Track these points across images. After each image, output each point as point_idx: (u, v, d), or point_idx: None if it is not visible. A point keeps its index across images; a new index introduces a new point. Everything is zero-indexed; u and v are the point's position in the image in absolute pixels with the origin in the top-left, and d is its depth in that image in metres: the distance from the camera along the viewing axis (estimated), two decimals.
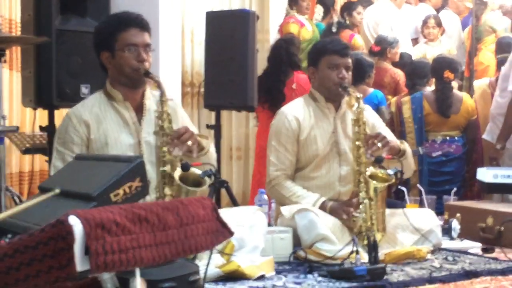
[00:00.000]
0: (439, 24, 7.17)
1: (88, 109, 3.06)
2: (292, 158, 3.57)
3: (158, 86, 2.96)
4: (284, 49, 5.50)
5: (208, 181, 2.88)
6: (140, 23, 3.06)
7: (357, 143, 3.40)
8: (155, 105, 3.04)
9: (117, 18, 3.09)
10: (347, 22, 6.73)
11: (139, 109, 3.10)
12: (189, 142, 2.90)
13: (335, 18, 6.72)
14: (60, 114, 5.34)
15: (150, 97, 3.14)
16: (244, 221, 3.05)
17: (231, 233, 1.76)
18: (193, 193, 2.84)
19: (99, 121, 3.03)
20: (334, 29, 6.54)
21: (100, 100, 3.11)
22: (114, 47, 3.03)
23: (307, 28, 6.40)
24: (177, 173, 2.86)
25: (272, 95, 5.39)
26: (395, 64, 6.50)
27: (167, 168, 2.89)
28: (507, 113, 4.96)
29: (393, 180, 3.35)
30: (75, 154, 2.95)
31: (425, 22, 7.17)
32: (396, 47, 6.41)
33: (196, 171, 2.90)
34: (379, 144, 3.32)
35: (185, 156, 2.94)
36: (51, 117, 4.40)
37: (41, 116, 4.57)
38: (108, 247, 1.35)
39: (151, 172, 2.98)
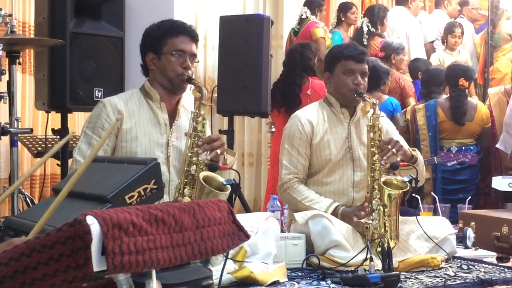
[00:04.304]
0: (463, 33, 7.13)
1: (124, 101, 3.10)
2: (304, 162, 3.55)
3: (199, 90, 3.01)
4: (299, 52, 5.51)
5: (230, 189, 2.88)
6: (191, 33, 3.14)
7: (372, 149, 3.38)
8: (187, 118, 3.12)
9: (171, 23, 3.15)
10: (379, 31, 6.71)
11: (173, 114, 3.15)
12: (218, 150, 2.93)
13: (365, 27, 6.68)
14: (73, 118, 5.37)
15: (184, 104, 3.20)
16: (257, 227, 3.03)
17: (247, 236, 1.74)
18: (215, 196, 2.84)
19: (132, 114, 3.07)
20: (365, 41, 6.54)
21: (136, 96, 3.15)
22: (162, 49, 3.09)
23: (328, 35, 6.42)
24: (202, 173, 2.89)
25: (288, 98, 5.38)
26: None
27: (192, 169, 2.93)
28: None
29: (408, 188, 3.33)
30: None
31: (451, 31, 7.08)
32: (402, 53, 6.34)
33: (219, 178, 2.92)
34: (393, 150, 3.30)
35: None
36: (64, 121, 4.41)
37: (54, 119, 4.57)
38: (125, 248, 1.34)
39: (174, 175, 3.05)
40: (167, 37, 3.09)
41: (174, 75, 3.07)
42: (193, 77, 3.13)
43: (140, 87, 3.19)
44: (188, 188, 2.92)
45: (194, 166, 2.93)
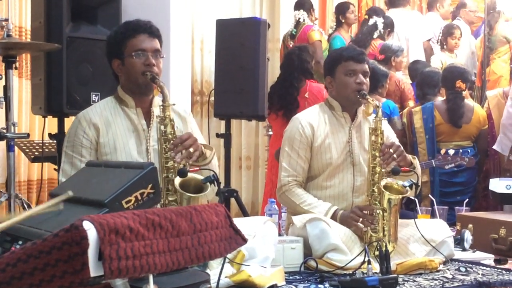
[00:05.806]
0: (461, 34, 7.14)
1: (98, 113, 3.06)
2: (304, 165, 3.54)
3: (161, 91, 2.94)
4: (297, 55, 5.51)
5: (210, 186, 2.84)
6: (149, 30, 3.06)
7: (373, 152, 3.37)
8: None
9: (127, 25, 3.10)
10: (385, 35, 6.71)
11: (148, 117, 3.10)
12: (191, 149, 2.87)
13: (380, 25, 6.65)
14: (69, 122, 5.36)
15: (158, 105, 3.12)
16: (255, 231, 3.02)
17: (244, 240, 1.74)
18: (195, 200, 2.80)
19: (108, 125, 3.03)
20: (375, 35, 6.52)
21: (111, 104, 3.11)
22: (124, 53, 3.04)
23: (324, 37, 6.43)
24: (177, 180, 2.82)
25: (286, 101, 5.38)
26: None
27: (170, 175, 2.86)
28: None
29: (408, 193, 3.32)
30: (83, 158, 2.98)
31: (451, 33, 7.09)
32: (401, 55, 6.36)
33: (197, 176, 2.86)
34: (394, 155, 3.29)
35: (186, 162, 2.90)
36: (60, 125, 4.40)
37: (50, 124, 4.56)
38: (122, 253, 1.33)
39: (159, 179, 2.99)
40: (125, 40, 3.03)
41: (139, 75, 3.00)
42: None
43: (114, 94, 3.15)
44: (171, 194, 2.84)
45: (172, 170, 2.85)
